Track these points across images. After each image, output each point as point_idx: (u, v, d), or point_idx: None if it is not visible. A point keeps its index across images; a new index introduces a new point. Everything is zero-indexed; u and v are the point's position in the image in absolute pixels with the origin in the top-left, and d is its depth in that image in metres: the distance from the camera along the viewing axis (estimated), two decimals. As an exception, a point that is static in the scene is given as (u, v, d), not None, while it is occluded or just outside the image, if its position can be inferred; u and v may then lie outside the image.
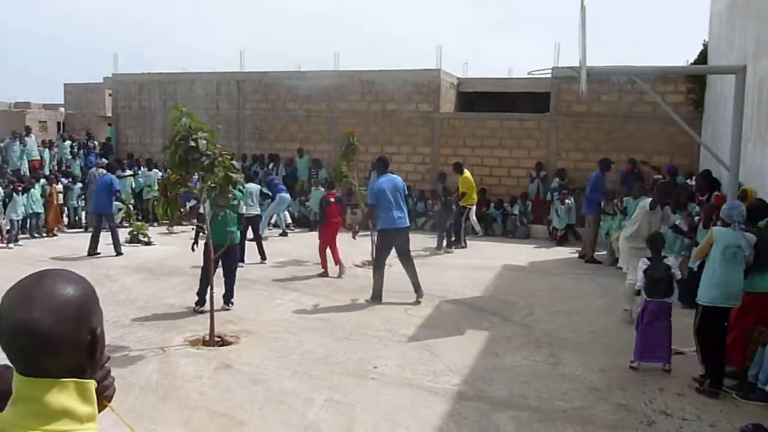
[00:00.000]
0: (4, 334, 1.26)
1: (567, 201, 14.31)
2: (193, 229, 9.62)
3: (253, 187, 11.78)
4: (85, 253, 11.84)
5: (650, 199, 7.93)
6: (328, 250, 10.48)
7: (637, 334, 6.35)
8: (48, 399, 1.25)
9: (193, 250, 8.60)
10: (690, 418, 5.19)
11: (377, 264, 8.90)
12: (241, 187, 7.57)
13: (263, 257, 11.39)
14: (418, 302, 8.58)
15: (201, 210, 7.81)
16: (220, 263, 7.92)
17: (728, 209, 5.91)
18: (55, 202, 14.22)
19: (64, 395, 1.27)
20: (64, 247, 12.67)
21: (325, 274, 10.33)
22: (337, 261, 10.44)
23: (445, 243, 13.11)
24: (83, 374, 1.32)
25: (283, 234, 14.59)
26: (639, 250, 7.36)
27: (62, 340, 1.26)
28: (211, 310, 6.95)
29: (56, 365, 1.26)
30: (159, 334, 7.20)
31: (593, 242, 12.27)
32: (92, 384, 1.34)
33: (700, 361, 5.82)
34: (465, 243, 13.49)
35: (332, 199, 10.75)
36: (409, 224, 9.11)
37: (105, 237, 12.10)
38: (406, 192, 9.75)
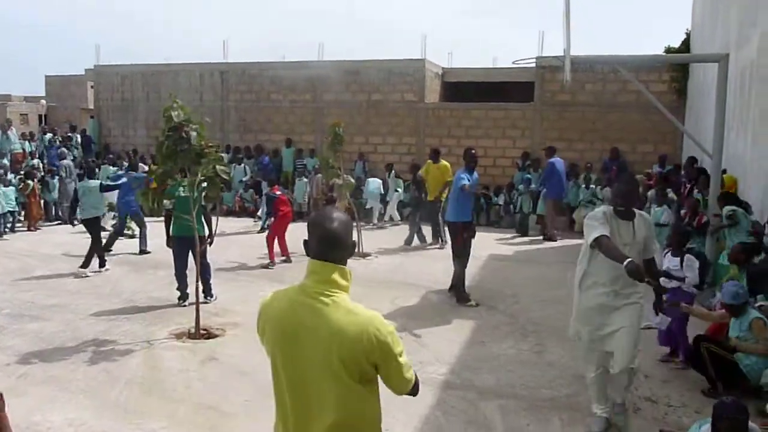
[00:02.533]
0: (315, 237, 2.27)
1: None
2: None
3: (93, 184, 10.33)
4: (71, 247, 11.71)
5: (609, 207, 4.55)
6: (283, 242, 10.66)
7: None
8: (331, 275, 2.24)
9: (169, 245, 8.35)
10: (675, 404, 5.24)
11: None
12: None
13: (102, 263, 10.00)
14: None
15: (169, 205, 7.79)
16: (190, 257, 7.88)
17: (733, 288, 5.40)
18: (37, 197, 14.05)
19: (338, 274, 2.26)
20: (49, 242, 12.54)
21: (270, 266, 10.32)
22: (284, 252, 10.61)
23: (416, 238, 12.31)
24: (345, 263, 2.30)
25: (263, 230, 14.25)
26: (596, 311, 4.51)
27: (344, 242, 2.28)
28: (197, 303, 6.92)
29: (338, 256, 2.26)
30: (144, 328, 7.16)
31: (553, 222, 13.48)
32: (350, 270, 2.31)
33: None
34: (442, 242, 11.92)
35: (277, 193, 10.88)
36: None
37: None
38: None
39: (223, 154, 7.10)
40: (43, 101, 26.59)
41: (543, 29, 31.36)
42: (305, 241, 2.32)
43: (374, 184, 15.06)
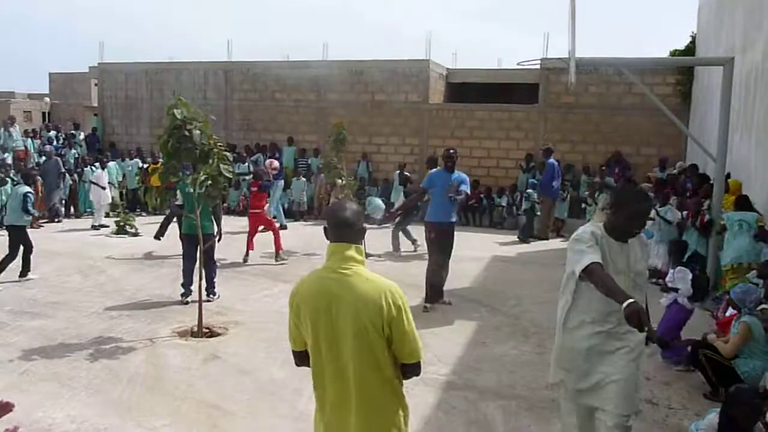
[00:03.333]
0: (331, 223, 2.72)
1: (568, 191, 14.41)
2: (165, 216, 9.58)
3: (22, 190, 9.42)
4: (74, 243, 11.74)
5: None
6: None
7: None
8: (347, 252, 2.67)
9: (157, 238, 8.43)
10: (676, 407, 5.24)
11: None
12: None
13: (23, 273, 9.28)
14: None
15: (178, 201, 7.81)
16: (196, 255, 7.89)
17: (742, 293, 5.39)
18: (40, 194, 14.06)
19: (354, 251, 2.69)
20: (52, 240, 12.57)
21: (245, 258, 10.57)
22: (248, 247, 10.72)
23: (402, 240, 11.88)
24: (359, 243, 2.74)
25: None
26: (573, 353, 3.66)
27: (355, 226, 2.72)
28: (200, 301, 6.92)
29: (351, 238, 2.70)
30: (147, 325, 7.17)
31: (547, 221, 13.88)
32: (362, 247, 2.76)
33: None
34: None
35: (255, 189, 10.99)
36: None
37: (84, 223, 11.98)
38: None
39: (227, 153, 7.08)
40: (47, 99, 26.66)
41: (548, 31, 31.42)
42: (325, 228, 2.77)
43: (375, 202, 14.82)
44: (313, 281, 2.71)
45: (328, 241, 2.74)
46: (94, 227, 13.74)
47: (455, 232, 8.42)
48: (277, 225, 11.57)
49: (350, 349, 2.59)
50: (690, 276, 6.19)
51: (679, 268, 6.34)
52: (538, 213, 13.87)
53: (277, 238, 10.65)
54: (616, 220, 3.45)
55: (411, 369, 2.70)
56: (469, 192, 8.47)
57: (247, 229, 10.94)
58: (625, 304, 3.00)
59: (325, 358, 2.65)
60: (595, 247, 3.36)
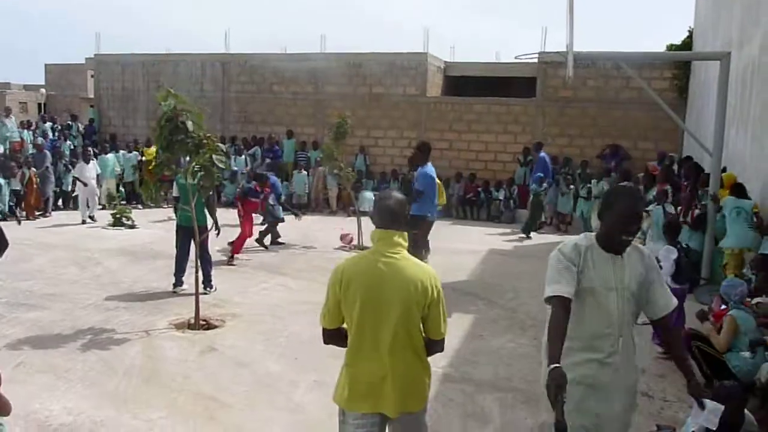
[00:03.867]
0: (377, 212, 3.02)
1: (571, 186, 14.30)
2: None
3: None
4: (70, 235, 11.71)
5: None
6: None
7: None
8: (394, 239, 2.98)
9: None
10: (671, 399, 5.26)
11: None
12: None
13: None
14: None
15: (175, 193, 7.75)
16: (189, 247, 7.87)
17: (727, 287, 5.50)
18: (34, 186, 14.01)
19: (399, 237, 3.00)
20: (47, 232, 12.55)
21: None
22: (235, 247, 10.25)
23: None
24: (404, 230, 3.02)
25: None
26: None
27: (400, 214, 3.01)
28: (196, 294, 6.92)
29: (396, 225, 3.00)
30: (143, 318, 7.16)
31: (541, 215, 14.12)
32: (405, 234, 3.03)
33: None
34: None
35: (240, 205, 10.71)
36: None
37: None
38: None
39: (220, 144, 7.04)
40: (43, 90, 26.55)
41: (546, 25, 31.38)
42: (371, 216, 3.09)
43: (367, 196, 14.85)
44: (362, 262, 3.02)
45: (375, 227, 3.04)
46: (84, 221, 13.59)
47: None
48: (274, 219, 11.34)
49: (392, 326, 2.92)
50: (675, 255, 6.24)
51: (666, 246, 6.40)
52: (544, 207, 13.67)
53: (240, 241, 10.22)
54: (605, 224, 3.00)
55: (437, 344, 3.05)
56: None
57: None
58: (549, 368, 2.62)
59: (367, 333, 2.95)
60: (570, 268, 2.92)
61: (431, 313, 2.96)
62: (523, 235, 13.11)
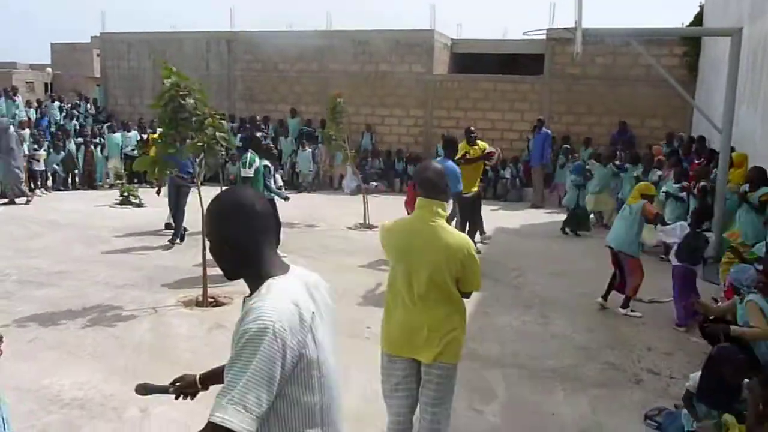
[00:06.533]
0: (418, 182, 3.33)
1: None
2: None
3: None
4: (77, 215, 11.76)
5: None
6: None
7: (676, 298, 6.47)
8: (434, 207, 3.25)
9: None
10: (677, 376, 5.28)
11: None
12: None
13: None
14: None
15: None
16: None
17: (736, 273, 5.25)
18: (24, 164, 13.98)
19: (437, 206, 3.26)
20: (54, 210, 12.61)
21: None
22: None
23: None
24: (443, 200, 3.30)
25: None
26: None
27: (439, 185, 3.30)
28: (204, 271, 6.95)
29: (438, 195, 3.28)
30: (152, 295, 7.22)
31: (542, 190, 14.67)
32: (444, 204, 3.30)
33: None
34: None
35: None
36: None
37: (94, 198, 11.96)
38: None
39: (223, 122, 7.03)
40: (49, 69, 26.47)
41: (554, 1, 30.94)
42: (414, 185, 3.49)
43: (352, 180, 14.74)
44: (405, 226, 3.40)
45: (419, 197, 3.32)
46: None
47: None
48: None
49: (424, 283, 3.22)
50: (685, 231, 6.26)
51: (681, 223, 6.43)
52: (584, 202, 11.66)
53: None
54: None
55: (467, 295, 3.42)
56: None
57: None
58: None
59: (403, 287, 3.28)
60: None
61: (466, 275, 3.27)
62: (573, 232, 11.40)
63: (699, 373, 4.07)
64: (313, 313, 1.80)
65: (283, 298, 1.76)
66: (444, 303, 3.30)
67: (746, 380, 3.93)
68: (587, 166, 12.09)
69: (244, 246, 1.86)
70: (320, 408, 1.83)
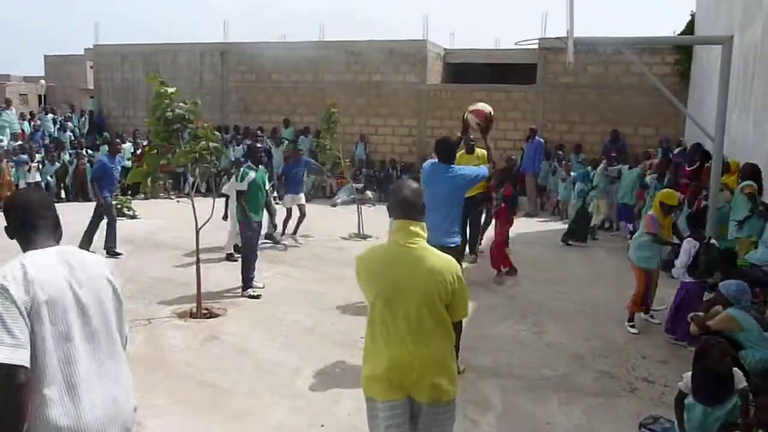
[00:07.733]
0: (394, 201, 3.00)
1: (572, 173, 14.08)
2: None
3: None
4: (70, 226, 11.72)
5: None
6: None
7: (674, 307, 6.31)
8: (411, 228, 2.95)
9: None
10: (672, 385, 5.27)
11: None
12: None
13: None
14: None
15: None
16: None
17: (737, 292, 5.02)
18: (7, 177, 13.96)
19: (416, 227, 2.96)
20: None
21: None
22: None
23: None
24: (420, 219, 3.00)
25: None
26: None
27: (417, 204, 2.98)
28: (198, 283, 6.93)
29: (414, 215, 2.97)
30: (146, 307, 7.19)
31: (536, 199, 14.76)
32: (423, 224, 3.00)
33: None
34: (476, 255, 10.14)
35: None
36: None
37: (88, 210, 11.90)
38: None
39: (216, 133, 7.05)
40: (42, 81, 26.47)
41: (546, 11, 31.16)
42: (388, 206, 3.07)
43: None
44: (379, 253, 3.06)
45: (392, 218, 3.04)
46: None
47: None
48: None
49: (413, 314, 2.90)
50: (693, 248, 6.16)
51: (688, 238, 6.33)
52: (591, 210, 11.79)
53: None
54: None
55: (456, 325, 3.09)
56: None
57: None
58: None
59: (388, 321, 2.94)
60: None
61: (454, 300, 2.95)
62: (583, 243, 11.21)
63: (691, 373, 4.10)
64: (48, 271, 2.31)
65: (16, 262, 2.32)
66: (439, 333, 2.95)
67: (734, 369, 3.98)
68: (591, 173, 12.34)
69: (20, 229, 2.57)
70: (56, 360, 2.22)
